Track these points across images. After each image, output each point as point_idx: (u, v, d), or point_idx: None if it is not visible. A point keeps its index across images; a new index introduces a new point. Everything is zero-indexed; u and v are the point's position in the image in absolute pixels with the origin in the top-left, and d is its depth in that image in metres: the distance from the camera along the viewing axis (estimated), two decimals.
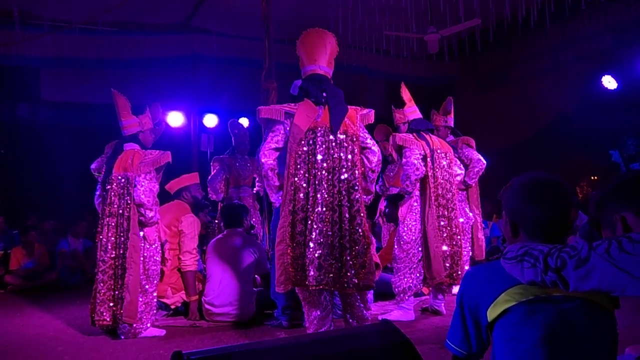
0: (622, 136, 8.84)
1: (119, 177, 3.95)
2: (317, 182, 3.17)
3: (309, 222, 3.13)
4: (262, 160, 3.25)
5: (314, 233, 3.11)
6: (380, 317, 4.08)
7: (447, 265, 4.06)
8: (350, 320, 3.31)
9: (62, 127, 8.63)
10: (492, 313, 1.42)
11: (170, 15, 8.31)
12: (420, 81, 9.33)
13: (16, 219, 8.43)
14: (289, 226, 3.15)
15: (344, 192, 3.19)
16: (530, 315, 1.38)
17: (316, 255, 3.08)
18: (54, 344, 3.77)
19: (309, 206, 3.15)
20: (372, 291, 4.48)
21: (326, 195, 3.15)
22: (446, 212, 4.13)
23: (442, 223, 4.09)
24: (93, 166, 4.18)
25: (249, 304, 4.25)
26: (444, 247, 4.07)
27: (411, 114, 4.34)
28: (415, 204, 4.14)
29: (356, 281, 3.12)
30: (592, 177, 9.36)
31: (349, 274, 3.11)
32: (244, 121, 8.34)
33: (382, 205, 5.73)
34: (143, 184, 3.93)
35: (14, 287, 6.59)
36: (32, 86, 8.57)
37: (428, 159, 4.09)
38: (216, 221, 6.16)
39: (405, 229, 4.11)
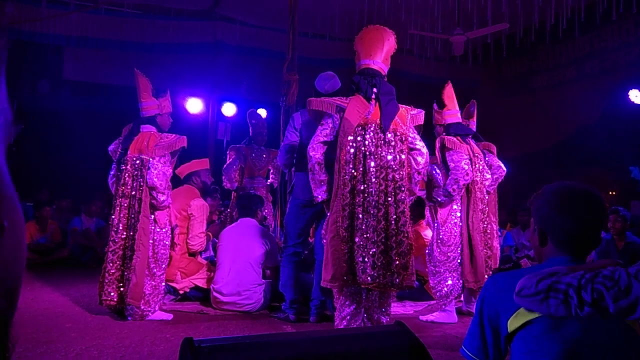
0: None
1: (134, 159, 3.95)
2: (366, 179, 3.17)
3: (359, 219, 3.14)
4: (311, 154, 3.25)
5: (366, 230, 3.12)
6: (422, 318, 4.14)
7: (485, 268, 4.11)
8: (366, 321, 3.30)
9: (82, 107, 8.69)
10: (513, 324, 1.38)
11: (195, 1, 8.31)
12: (442, 83, 9.21)
13: (30, 193, 8.52)
14: (342, 221, 3.15)
15: (390, 191, 3.20)
16: (553, 329, 1.33)
17: (371, 253, 3.10)
18: (62, 320, 3.80)
19: (356, 202, 3.16)
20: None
21: (374, 193, 3.16)
22: (482, 216, 4.19)
23: (481, 227, 4.14)
24: (111, 148, 4.19)
25: (257, 295, 4.24)
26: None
27: (449, 117, 4.32)
28: (456, 207, 4.15)
29: (398, 281, 3.15)
30: (610, 192, 9.21)
31: (395, 274, 3.14)
32: (262, 112, 8.33)
33: None
34: (157, 167, 3.93)
35: (26, 262, 6.65)
36: (54, 65, 8.64)
37: (472, 164, 4.13)
38: (228, 210, 6.15)
39: (446, 231, 4.13)
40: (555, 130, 9.05)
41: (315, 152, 3.25)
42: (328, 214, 3.28)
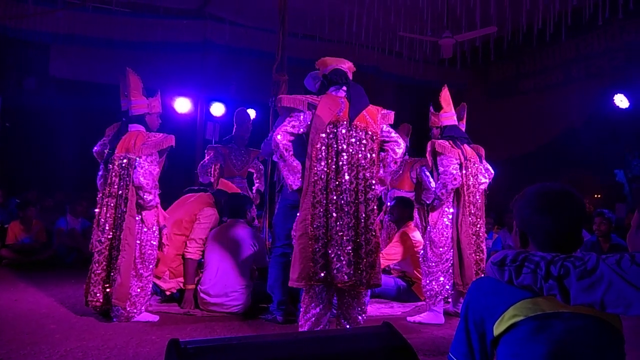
0: (627, 156, 8.81)
1: (121, 158, 3.91)
2: (338, 177, 3.18)
3: (332, 217, 3.13)
4: (277, 140, 3.22)
5: (340, 228, 3.11)
6: (409, 319, 4.16)
7: (474, 271, 4.14)
8: (343, 322, 3.28)
9: (68, 105, 8.60)
10: (498, 328, 1.38)
11: (185, 0, 8.27)
12: (430, 85, 9.29)
13: (16, 192, 8.40)
14: (312, 219, 3.14)
15: (361, 190, 3.20)
16: (538, 331, 1.34)
17: (346, 251, 3.10)
18: (46, 321, 3.75)
19: (329, 200, 3.15)
20: (369, 292, 4.50)
21: (346, 191, 3.16)
22: (475, 220, 4.23)
23: (472, 230, 4.19)
24: (95, 149, 4.14)
25: (245, 296, 4.22)
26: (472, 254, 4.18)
27: (446, 119, 4.37)
28: (447, 209, 4.20)
29: (366, 280, 3.15)
30: (595, 195, 9.33)
31: (363, 272, 3.14)
32: (251, 112, 8.30)
33: (389, 202, 5.72)
34: (143, 166, 3.88)
35: (9, 262, 6.56)
36: (41, 62, 8.53)
37: (463, 168, 4.17)
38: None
39: (437, 233, 4.18)
40: (542, 133, 9.15)
41: (282, 139, 3.22)
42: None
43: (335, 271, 3.08)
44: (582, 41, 8.70)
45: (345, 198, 3.15)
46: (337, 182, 3.16)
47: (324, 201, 3.14)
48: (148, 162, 3.92)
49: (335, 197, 3.14)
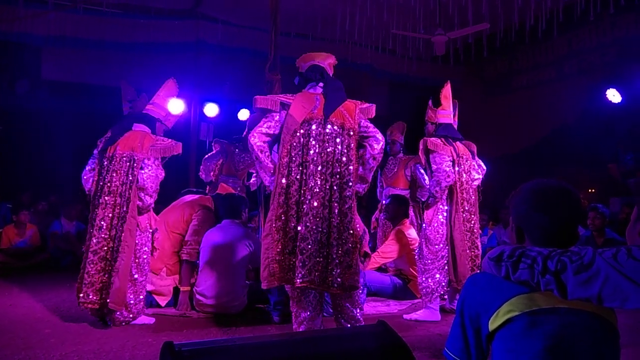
0: (620, 151, 8.84)
1: (123, 156, 3.83)
2: (309, 176, 3.10)
3: (299, 217, 3.06)
4: (251, 142, 3.22)
5: (303, 228, 3.03)
6: (405, 317, 4.16)
7: (468, 267, 4.17)
8: (342, 321, 3.25)
9: (61, 107, 8.55)
10: (493, 323, 1.38)
11: (177, 0, 8.23)
12: (424, 83, 9.31)
13: (9, 195, 8.35)
14: (277, 220, 3.09)
15: (335, 188, 3.11)
16: (533, 326, 1.34)
17: (304, 251, 3.01)
18: (41, 326, 3.73)
19: (299, 200, 3.08)
20: (365, 290, 4.50)
21: (318, 190, 3.07)
22: (469, 216, 4.25)
23: (466, 227, 4.20)
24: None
25: (241, 297, 4.21)
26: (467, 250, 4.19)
27: (442, 117, 4.38)
28: (442, 206, 4.21)
29: (341, 281, 3.03)
30: (590, 190, 9.36)
31: (334, 273, 3.02)
32: (245, 113, 8.28)
33: (384, 200, 5.72)
34: (151, 168, 3.85)
35: (3, 266, 6.52)
36: (32, 64, 8.49)
37: (455, 165, 4.18)
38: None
39: (433, 230, 4.19)
40: (535, 129, 9.18)
41: (256, 140, 3.21)
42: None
43: (297, 271, 3.02)
44: (574, 37, 8.74)
45: (314, 198, 3.06)
46: (306, 182, 3.09)
47: (293, 202, 3.08)
48: (155, 165, 3.89)
49: (303, 198, 3.07)
